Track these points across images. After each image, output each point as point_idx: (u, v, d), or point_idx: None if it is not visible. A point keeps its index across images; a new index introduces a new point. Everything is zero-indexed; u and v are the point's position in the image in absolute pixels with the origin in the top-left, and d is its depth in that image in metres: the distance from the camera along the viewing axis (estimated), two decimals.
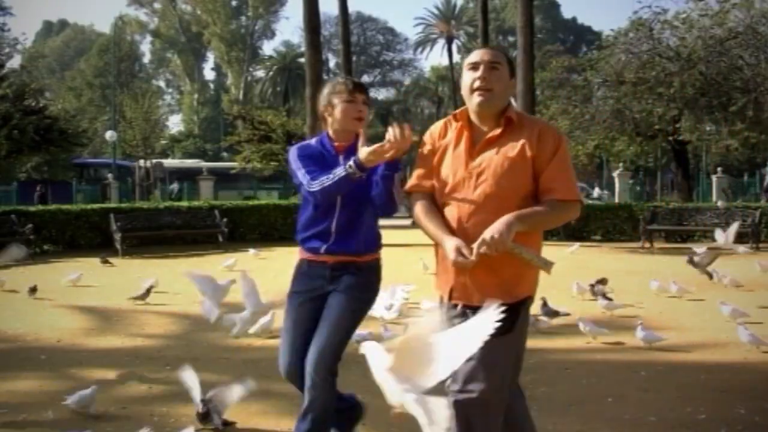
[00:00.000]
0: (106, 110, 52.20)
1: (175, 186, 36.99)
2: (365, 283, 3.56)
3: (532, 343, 6.54)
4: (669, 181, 38.81)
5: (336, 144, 3.57)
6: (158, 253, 15.39)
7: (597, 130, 24.32)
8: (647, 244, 16.73)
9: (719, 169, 31.94)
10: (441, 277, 2.97)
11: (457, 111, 2.98)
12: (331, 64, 60.61)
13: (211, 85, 78.12)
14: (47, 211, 17.04)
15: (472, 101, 2.86)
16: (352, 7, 32.13)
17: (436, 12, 70.55)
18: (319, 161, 3.52)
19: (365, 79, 67.41)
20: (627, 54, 23.26)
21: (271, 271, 11.58)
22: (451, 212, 2.88)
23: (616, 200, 29.29)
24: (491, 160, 2.83)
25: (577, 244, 15.28)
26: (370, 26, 70.70)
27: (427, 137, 3.05)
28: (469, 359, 2.55)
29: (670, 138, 23.88)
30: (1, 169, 30.39)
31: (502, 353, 2.80)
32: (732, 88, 21.45)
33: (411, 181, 3.02)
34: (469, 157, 2.87)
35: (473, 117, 2.93)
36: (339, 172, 3.31)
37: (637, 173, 38.97)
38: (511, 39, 63.82)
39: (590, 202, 25.87)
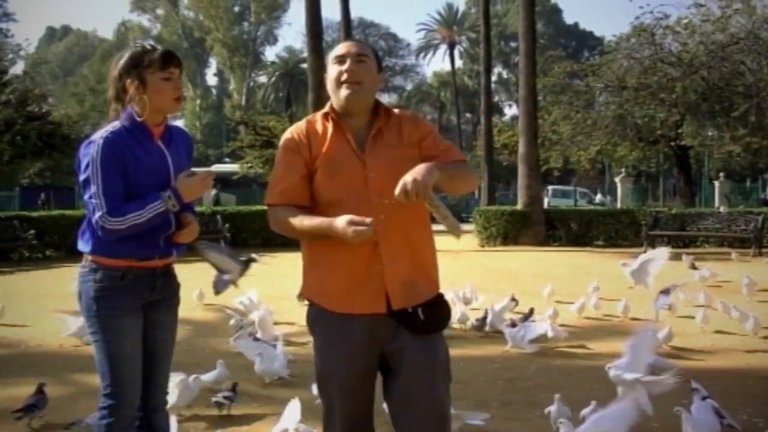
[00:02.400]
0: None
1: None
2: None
3: (534, 349, 6.58)
4: (671, 186, 38.77)
5: (152, 128, 2.95)
6: None
7: (599, 136, 24.34)
8: (649, 250, 16.69)
9: (721, 174, 31.91)
10: (361, 290, 2.61)
11: (323, 111, 2.72)
12: None
13: (214, 91, 78.25)
14: (50, 217, 17.07)
15: (340, 94, 2.65)
16: (355, 12, 32.20)
17: (438, 18, 70.68)
18: (135, 154, 2.88)
19: None
20: (629, 59, 23.30)
21: (273, 276, 11.57)
22: (342, 211, 2.55)
23: (619, 205, 29.26)
24: (386, 155, 2.64)
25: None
26: (373, 32, 70.75)
27: (287, 145, 2.71)
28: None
29: (672, 143, 23.88)
30: (3, 175, 30.47)
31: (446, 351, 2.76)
32: (734, 94, 21.48)
33: (274, 198, 2.67)
34: (360, 155, 2.64)
35: (341, 111, 2.69)
36: (156, 206, 2.81)
37: (640, 178, 38.95)
38: (513, 44, 63.95)
39: (593, 207, 25.84)
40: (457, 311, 7.51)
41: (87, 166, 2.83)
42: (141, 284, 2.97)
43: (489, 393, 5.21)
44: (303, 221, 2.59)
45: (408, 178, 2.41)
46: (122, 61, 2.91)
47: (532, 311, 7.71)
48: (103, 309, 2.91)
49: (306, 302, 2.76)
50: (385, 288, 2.59)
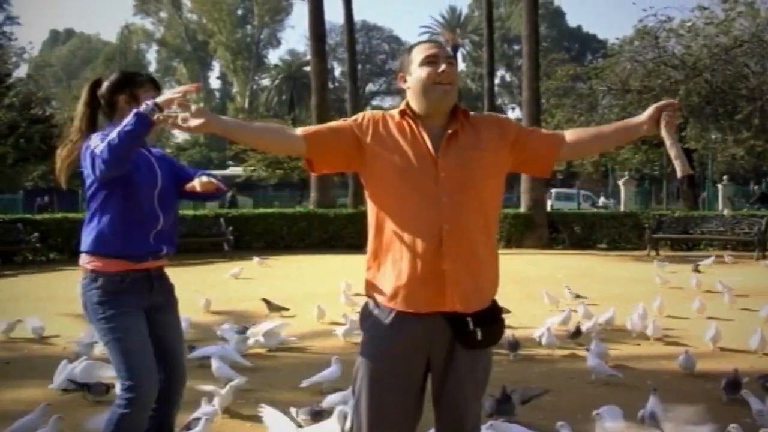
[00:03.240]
0: None
1: None
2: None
3: (537, 354, 6.57)
4: (674, 189, 38.72)
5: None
6: None
7: None
8: (653, 253, 16.68)
9: (725, 177, 31.86)
10: (421, 289, 2.59)
11: (399, 108, 2.71)
12: (337, 72, 60.70)
13: (217, 94, 78.32)
14: (53, 220, 17.10)
15: (432, 95, 2.63)
16: (358, 15, 32.24)
17: (441, 21, 70.73)
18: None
19: (371, 87, 67.65)
20: (632, 62, 23.27)
21: (276, 278, 11.58)
22: (408, 209, 2.59)
23: (622, 208, 29.22)
24: (459, 156, 2.62)
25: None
26: (376, 35, 70.84)
27: (354, 118, 2.75)
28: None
29: None
30: (7, 178, 30.47)
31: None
32: (738, 97, 21.45)
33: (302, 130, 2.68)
34: (433, 155, 2.62)
35: (422, 113, 2.67)
36: (143, 112, 2.86)
37: (643, 182, 38.89)
38: (516, 47, 63.91)
39: (596, 210, 25.82)
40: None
41: (85, 160, 3.13)
42: (140, 286, 3.25)
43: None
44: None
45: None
46: (114, 80, 3.34)
47: (579, 330, 7.18)
48: (108, 310, 3.16)
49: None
50: (445, 289, 2.56)
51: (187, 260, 14.53)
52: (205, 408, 4.53)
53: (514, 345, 6.50)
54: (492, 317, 2.65)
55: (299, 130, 2.67)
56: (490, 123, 2.75)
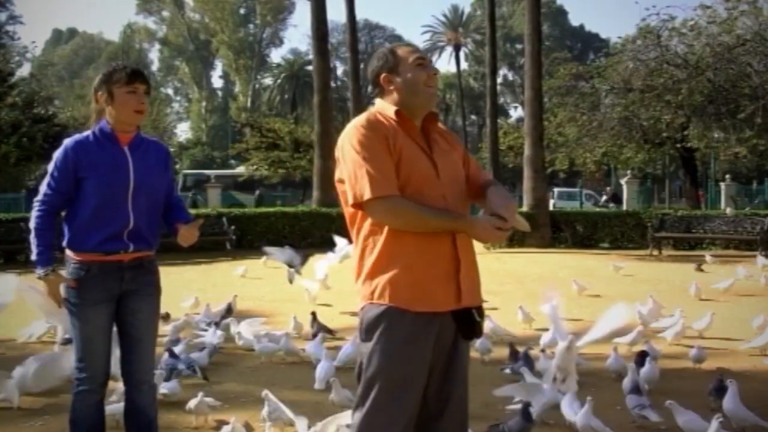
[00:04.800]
0: None
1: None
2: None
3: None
4: (677, 188, 38.70)
5: (119, 134, 3.42)
6: (165, 260, 15.18)
7: (605, 138, 24.30)
8: (655, 252, 16.67)
9: (728, 176, 31.83)
10: (440, 288, 2.64)
11: (394, 109, 2.71)
12: (339, 71, 60.72)
13: (219, 93, 78.34)
14: None
15: (423, 96, 2.72)
16: (360, 15, 32.25)
17: (443, 20, 70.70)
18: (94, 158, 3.36)
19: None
20: (635, 61, 23.25)
21: (279, 277, 11.57)
22: None
23: (624, 208, 29.20)
24: (446, 157, 2.77)
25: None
26: (378, 34, 70.87)
27: (378, 135, 2.65)
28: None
29: (678, 145, 23.83)
30: (10, 177, 30.53)
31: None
32: (740, 96, 21.42)
33: (390, 188, 2.58)
34: (428, 152, 2.71)
35: (408, 114, 2.72)
36: (38, 271, 3.45)
37: (645, 181, 38.86)
38: (518, 47, 63.90)
39: (598, 209, 25.81)
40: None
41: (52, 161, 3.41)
42: (108, 277, 3.41)
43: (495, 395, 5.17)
44: (432, 213, 2.61)
45: (512, 204, 2.66)
46: (97, 78, 3.47)
47: (644, 355, 5.61)
48: (72, 297, 3.42)
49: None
50: (461, 285, 2.66)
51: (188, 258, 14.54)
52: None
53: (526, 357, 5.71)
54: (480, 310, 2.75)
55: (393, 195, 2.59)
56: (448, 132, 2.91)
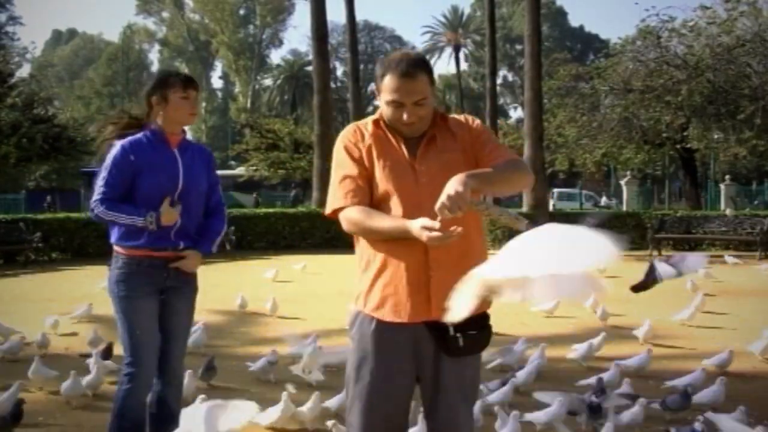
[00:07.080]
0: None
1: None
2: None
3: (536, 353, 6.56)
4: (677, 189, 38.70)
5: (170, 137, 3.61)
6: None
7: (604, 138, 24.33)
8: (655, 253, 16.67)
9: (727, 177, 31.83)
10: (409, 299, 2.55)
11: (373, 118, 2.68)
12: (339, 72, 60.75)
13: (219, 94, 78.40)
14: (56, 219, 17.11)
15: (402, 129, 2.63)
16: (360, 15, 32.24)
17: (443, 20, 70.73)
18: (149, 158, 3.52)
19: (373, 87, 67.57)
20: (634, 62, 23.27)
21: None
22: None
23: (624, 208, 29.21)
24: (437, 159, 2.60)
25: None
26: (378, 35, 70.96)
27: (345, 149, 2.66)
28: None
29: (678, 146, 23.85)
30: (10, 178, 30.57)
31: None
32: (740, 96, 21.43)
33: (345, 200, 2.61)
34: (411, 161, 2.61)
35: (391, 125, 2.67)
36: (135, 220, 3.45)
37: (645, 181, 38.88)
38: (518, 47, 63.92)
39: (598, 210, 25.81)
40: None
41: (104, 161, 3.53)
42: (155, 271, 3.54)
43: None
44: (382, 221, 2.53)
45: (443, 197, 2.31)
46: (152, 82, 3.63)
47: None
48: (122, 291, 3.51)
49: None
50: (431, 298, 2.50)
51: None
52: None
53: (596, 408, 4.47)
54: (476, 324, 2.51)
55: (344, 206, 2.61)
56: (461, 123, 2.73)
